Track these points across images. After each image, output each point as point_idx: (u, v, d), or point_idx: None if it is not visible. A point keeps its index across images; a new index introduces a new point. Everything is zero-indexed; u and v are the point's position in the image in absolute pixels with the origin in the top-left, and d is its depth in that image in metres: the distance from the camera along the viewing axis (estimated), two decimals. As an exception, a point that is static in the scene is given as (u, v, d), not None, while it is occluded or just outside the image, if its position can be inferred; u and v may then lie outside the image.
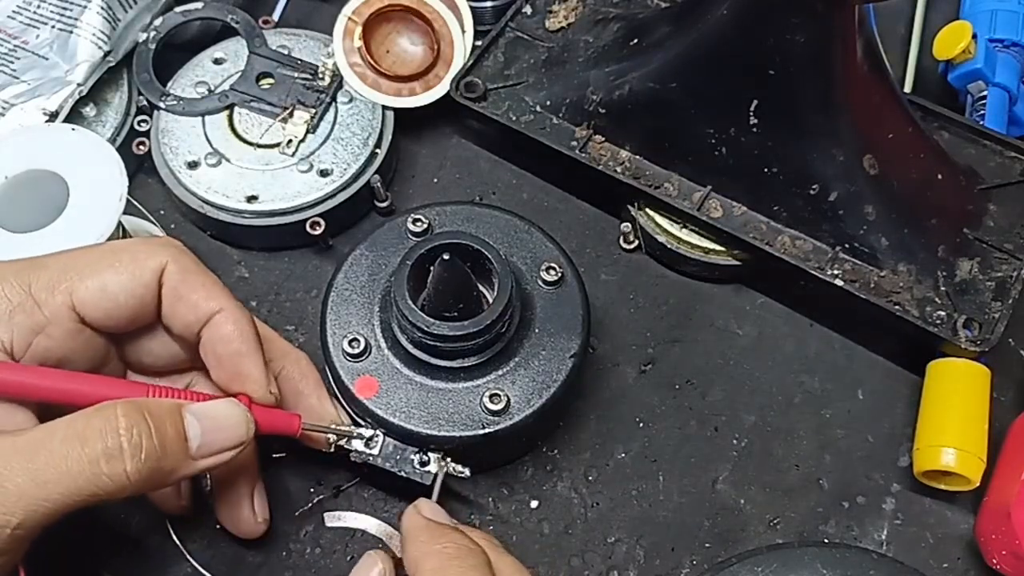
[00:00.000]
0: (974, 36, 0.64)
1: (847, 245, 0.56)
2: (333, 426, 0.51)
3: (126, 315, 0.44)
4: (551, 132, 0.62)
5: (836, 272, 0.56)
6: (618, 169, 0.60)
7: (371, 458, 0.51)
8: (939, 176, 0.58)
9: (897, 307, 0.55)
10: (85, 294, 0.43)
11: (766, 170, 0.56)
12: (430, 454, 0.51)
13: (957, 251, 0.57)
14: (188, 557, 0.52)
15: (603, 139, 0.61)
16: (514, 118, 0.62)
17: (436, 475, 0.50)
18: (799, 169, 0.56)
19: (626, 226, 0.63)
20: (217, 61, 0.66)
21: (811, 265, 0.56)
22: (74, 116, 0.61)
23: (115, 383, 0.43)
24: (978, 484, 0.52)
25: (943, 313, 0.55)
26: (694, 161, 0.59)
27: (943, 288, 0.56)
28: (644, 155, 0.60)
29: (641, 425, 0.57)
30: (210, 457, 0.42)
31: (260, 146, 0.62)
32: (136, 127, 0.63)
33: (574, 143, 0.61)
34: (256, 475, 0.51)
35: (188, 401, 0.43)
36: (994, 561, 0.51)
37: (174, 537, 0.53)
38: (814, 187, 0.55)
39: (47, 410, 0.42)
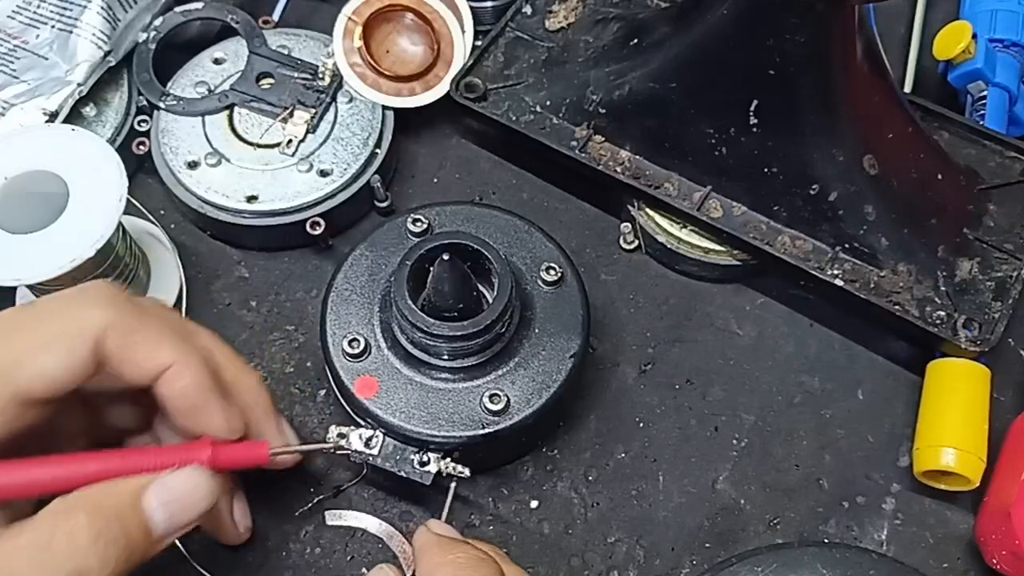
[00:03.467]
0: (974, 36, 0.64)
1: (847, 245, 0.56)
2: (300, 445, 0.50)
3: (72, 385, 0.42)
4: (551, 132, 0.62)
5: (836, 272, 0.56)
6: (618, 169, 0.60)
7: (371, 458, 0.51)
8: (939, 176, 0.58)
9: (897, 307, 0.55)
10: (27, 384, 0.41)
11: (766, 170, 0.56)
12: (430, 454, 0.51)
13: (957, 251, 0.57)
14: (188, 557, 0.52)
15: (603, 139, 0.61)
16: (514, 118, 0.62)
17: (448, 492, 0.50)
18: (799, 169, 0.56)
19: (626, 226, 0.63)
20: (217, 61, 0.65)
21: (811, 265, 0.56)
22: (74, 116, 0.61)
23: (69, 464, 0.42)
24: (978, 484, 0.52)
25: (943, 313, 0.55)
26: (694, 161, 0.58)
27: (943, 288, 0.56)
28: (644, 155, 0.60)
29: (641, 425, 0.57)
30: (176, 532, 0.42)
31: (260, 146, 0.62)
32: (136, 127, 0.63)
33: (574, 143, 0.61)
34: (231, 486, 0.50)
35: (147, 476, 0.42)
36: (994, 561, 0.51)
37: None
38: (814, 187, 0.55)
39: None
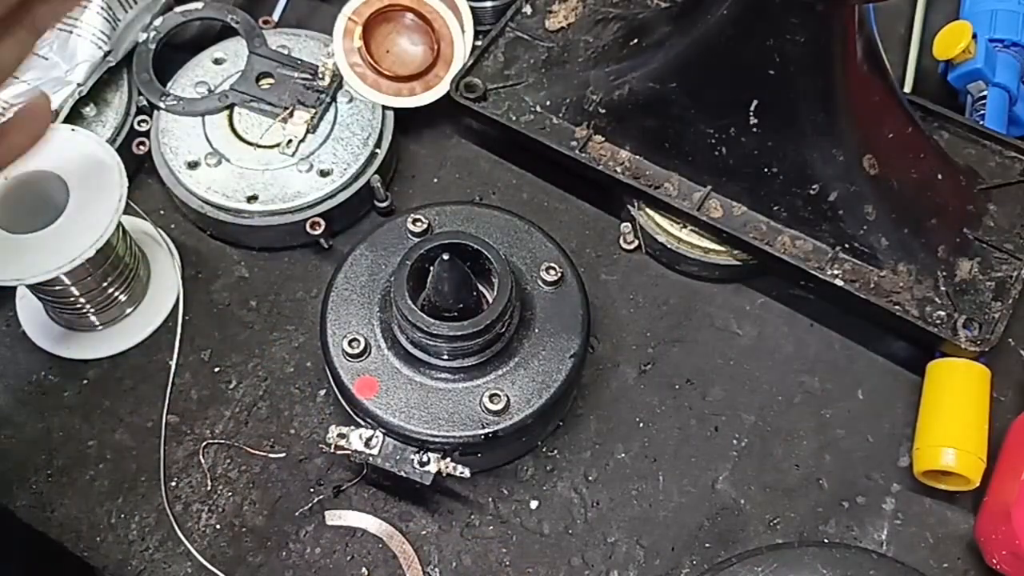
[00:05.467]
0: (974, 36, 0.64)
1: (847, 245, 0.56)
2: None
3: None
4: (551, 132, 0.62)
5: (836, 272, 0.56)
6: (618, 169, 0.60)
7: (371, 458, 0.51)
8: (939, 176, 0.58)
9: (897, 307, 0.55)
10: None
11: (766, 170, 0.56)
12: (430, 454, 0.51)
13: (957, 251, 0.57)
14: (191, 550, 0.52)
15: (603, 139, 0.61)
16: (514, 118, 0.62)
17: None
18: (799, 169, 0.56)
19: (626, 226, 0.62)
20: (217, 61, 0.65)
21: (811, 265, 0.56)
22: (74, 116, 0.61)
23: None
24: (978, 484, 0.52)
25: (943, 313, 0.55)
26: (694, 161, 0.58)
27: (943, 288, 0.56)
28: (644, 155, 0.60)
29: (641, 425, 0.57)
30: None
31: (260, 146, 0.62)
32: (136, 127, 0.63)
33: (574, 143, 0.61)
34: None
35: None
36: (994, 561, 0.51)
37: (179, 533, 0.53)
38: (814, 187, 0.55)
39: None
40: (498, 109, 0.63)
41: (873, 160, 0.55)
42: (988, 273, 0.57)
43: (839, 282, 0.56)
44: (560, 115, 0.62)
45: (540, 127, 0.62)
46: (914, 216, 0.57)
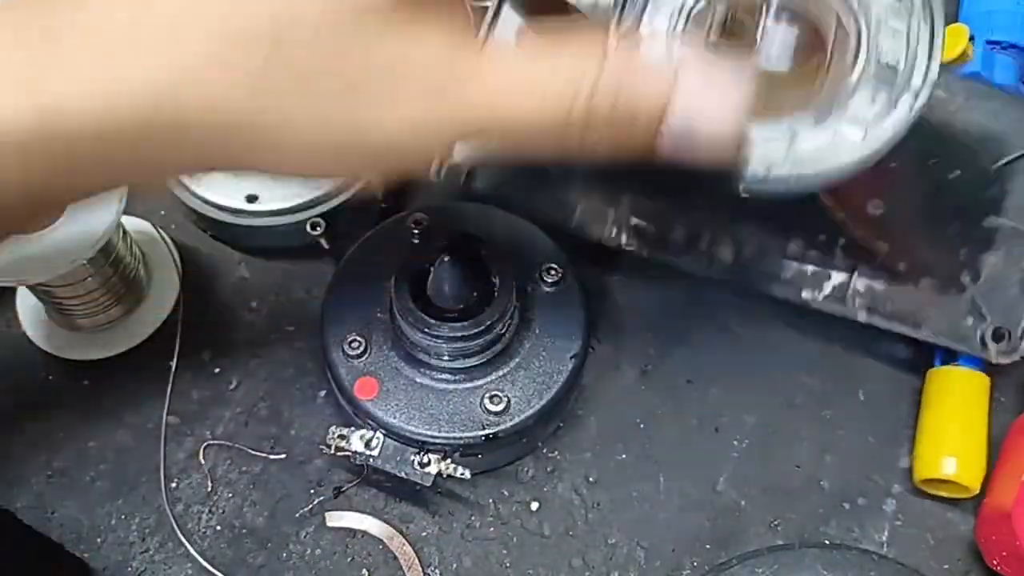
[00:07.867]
0: (971, 38, 0.64)
1: (863, 273, 0.54)
2: None
3: None
4: (545, 197, 0.57)
5: (860, 303, 0.54)
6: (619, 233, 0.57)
7: (371, 459, 0.51)
8: (950, 175, 0.55)
9: (922, 331, 0.53)
10: None
11: (770, 222, 0.54)
12: (430, 455, 0.51)
13: (980, 247, 0.54)
14: (192, 551, 0.52)
15: (599, 191, 0.57)
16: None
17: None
18: (800, 223, 0.54)
19: (626, 227, 0.62)
20: (217, 61, 0.65)
21: (836, 310, 0.54)
22: (74, 116, 0.61)
23: None
24: (978, 491, 0.53)
25: (970, 321, 0.53)
26: (697, 206, 0.56)
27: (969, 294, 0.53)
28: (646, 198, 0.56)
29: (641, 426, 0.57)
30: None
31: (260, 146, 0.62)
32: (136, 127, 0.63)
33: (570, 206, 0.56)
34: None
35: None
36: (995, 562, 0.51)
37: (179, 535, 0.53)
38: (821, 236, 0.54)
39: None
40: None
41: (877, 201, 0.53)
42: (1014, 265, 0.53)
43: (863, 317, 0.54)
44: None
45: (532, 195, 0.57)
46: (929, 230, 0.55)
